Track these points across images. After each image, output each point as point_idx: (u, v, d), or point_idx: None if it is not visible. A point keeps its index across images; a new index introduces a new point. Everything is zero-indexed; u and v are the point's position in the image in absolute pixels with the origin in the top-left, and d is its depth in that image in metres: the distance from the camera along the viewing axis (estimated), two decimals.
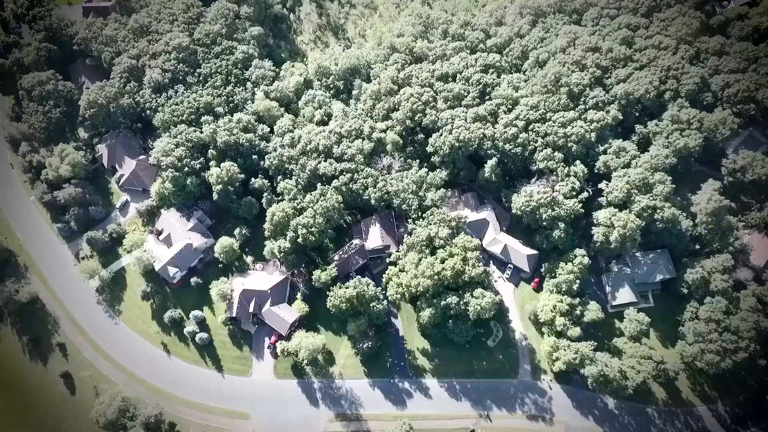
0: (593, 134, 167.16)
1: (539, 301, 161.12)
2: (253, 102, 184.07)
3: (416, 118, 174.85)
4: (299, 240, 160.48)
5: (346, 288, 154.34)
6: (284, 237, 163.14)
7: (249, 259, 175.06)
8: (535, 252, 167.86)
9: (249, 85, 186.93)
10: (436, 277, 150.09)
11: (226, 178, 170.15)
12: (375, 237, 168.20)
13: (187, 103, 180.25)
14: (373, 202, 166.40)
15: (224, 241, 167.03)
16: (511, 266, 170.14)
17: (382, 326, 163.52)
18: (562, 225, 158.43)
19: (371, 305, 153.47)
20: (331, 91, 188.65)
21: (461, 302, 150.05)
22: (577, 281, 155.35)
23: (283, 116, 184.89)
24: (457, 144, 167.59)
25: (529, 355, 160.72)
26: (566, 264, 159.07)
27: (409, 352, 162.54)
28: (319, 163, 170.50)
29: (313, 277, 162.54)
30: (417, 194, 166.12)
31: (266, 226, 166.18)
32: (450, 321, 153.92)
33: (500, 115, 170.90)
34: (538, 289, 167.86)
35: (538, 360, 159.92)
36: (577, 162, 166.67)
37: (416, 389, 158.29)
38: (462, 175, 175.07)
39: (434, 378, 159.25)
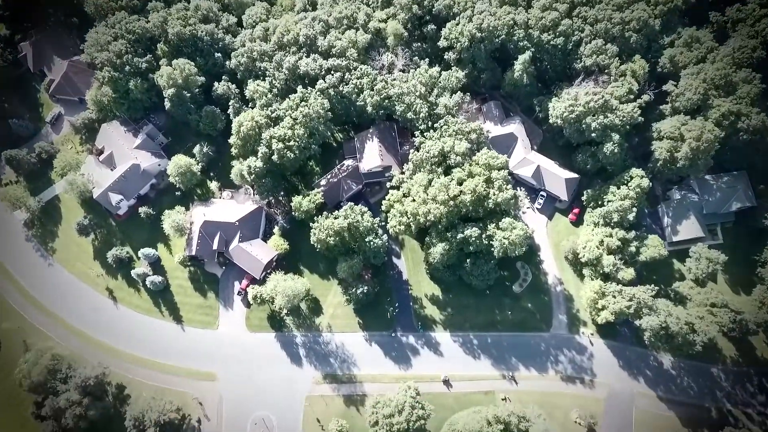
0: (658, 21, 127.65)
1: (580, 236, 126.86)
2: None
3: (426, 2, 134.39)
4: (274, 158, 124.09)
5: (335, 218, 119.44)
6: (255, 155, 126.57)
7: (214, 185, 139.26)
8: (575, 176, 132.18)
9: None
10: (451, 203, 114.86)
11: (180, 80, 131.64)
12: (372, 155, 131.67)
13: None
14: (369, 109, 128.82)
15: (179, 160, 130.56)
16: (544, 194, 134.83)
17: (380, 267, 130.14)
18: (616, 137, 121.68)
19: (367, 240, 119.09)
20: None
21: (483, 235, 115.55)
22: (633, 210, 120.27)
23: (254, 3, 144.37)
24: (478, 35, 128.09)
25: (566, 304, 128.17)
26: (618, 188, 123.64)
27: (415, 300, 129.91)
28: (300, 59, 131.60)
29: (292, 205, 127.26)
30: (426, 99, 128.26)
31: (232, 140, 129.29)
32: (468, 260, 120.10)
33: None
34: (578, 222, 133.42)
35: (576, 309, 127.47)
36: (636, 57, 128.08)
37: (423, 345, 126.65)
38: (483, 79, 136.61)
39: (446, 331, 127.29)
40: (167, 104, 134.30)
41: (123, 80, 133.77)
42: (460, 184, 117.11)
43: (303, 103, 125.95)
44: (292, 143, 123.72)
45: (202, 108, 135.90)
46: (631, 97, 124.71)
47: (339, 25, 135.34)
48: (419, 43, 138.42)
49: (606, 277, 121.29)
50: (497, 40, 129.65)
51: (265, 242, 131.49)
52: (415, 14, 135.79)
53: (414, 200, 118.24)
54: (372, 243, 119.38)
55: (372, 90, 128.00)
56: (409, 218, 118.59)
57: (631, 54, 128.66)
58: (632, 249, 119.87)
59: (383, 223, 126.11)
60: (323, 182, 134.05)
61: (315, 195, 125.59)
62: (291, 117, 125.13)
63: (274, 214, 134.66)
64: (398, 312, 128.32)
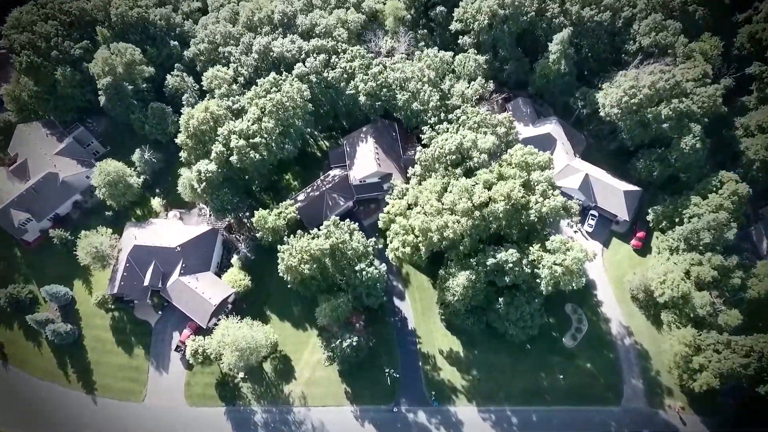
0: None
1: (651, 268, 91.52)
2: None
3: None
4: (233, 160, 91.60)
5: (313, 238, 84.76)
6: (209, 157, 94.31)
7: (157, 202, 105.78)
8: (636, 188, 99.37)
9: None
10: (476, 213, 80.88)
11: (120, 68, 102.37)
12: (366, 160, 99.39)
13: None
14: (362, 99, 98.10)
15: (108, 165, 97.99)
16: (596, 213, 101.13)
17: (377, 312, 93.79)
18: (696, 127, 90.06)
19: (358, 270, 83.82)
20: None
21: (524, 261, 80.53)
22: (732, 226, 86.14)
23: None
24: (501, 12, 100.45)
25: (640, 363, 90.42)
26: (704, 198, 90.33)
27: (426, 358, 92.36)
28: (275, 39, 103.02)
29: (254, 221, 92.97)
30: (437, 86, 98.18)
31: (180, 139, 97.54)
32: (500, 299, 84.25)
33: None
34: (644, 250, 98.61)
35: (656, 371, 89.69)
36: (705, 35, 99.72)
37: (439, 425, 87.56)
38: (507, 71, 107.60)
39: (471, 404, 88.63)
40: (102, 99, 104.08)
41: (48, 69, 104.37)
42: (488, 188, 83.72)
43: (274, 88, 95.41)
44: (258, 140, 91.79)
45: (149, 106, 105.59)
46: (708, 81, 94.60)
47: (325, 4, 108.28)
48: (425, 31, 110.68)
49: (699, 323, 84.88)
50: (525, 17, 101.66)
51: (219, 277, 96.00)
52: None
53: (424, 212, 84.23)
54: (365, 274, 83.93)
55: (366, 74, 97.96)
56: (416, 237, 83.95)
57: (698, 32, 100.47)
58: (735, 281, 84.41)
59: (380, 247, 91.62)
60: (301, 197, 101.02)
61: (286, 208, 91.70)
62: (257, 106, 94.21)
63: (235, 240, 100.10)
64: (402, 376, 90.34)
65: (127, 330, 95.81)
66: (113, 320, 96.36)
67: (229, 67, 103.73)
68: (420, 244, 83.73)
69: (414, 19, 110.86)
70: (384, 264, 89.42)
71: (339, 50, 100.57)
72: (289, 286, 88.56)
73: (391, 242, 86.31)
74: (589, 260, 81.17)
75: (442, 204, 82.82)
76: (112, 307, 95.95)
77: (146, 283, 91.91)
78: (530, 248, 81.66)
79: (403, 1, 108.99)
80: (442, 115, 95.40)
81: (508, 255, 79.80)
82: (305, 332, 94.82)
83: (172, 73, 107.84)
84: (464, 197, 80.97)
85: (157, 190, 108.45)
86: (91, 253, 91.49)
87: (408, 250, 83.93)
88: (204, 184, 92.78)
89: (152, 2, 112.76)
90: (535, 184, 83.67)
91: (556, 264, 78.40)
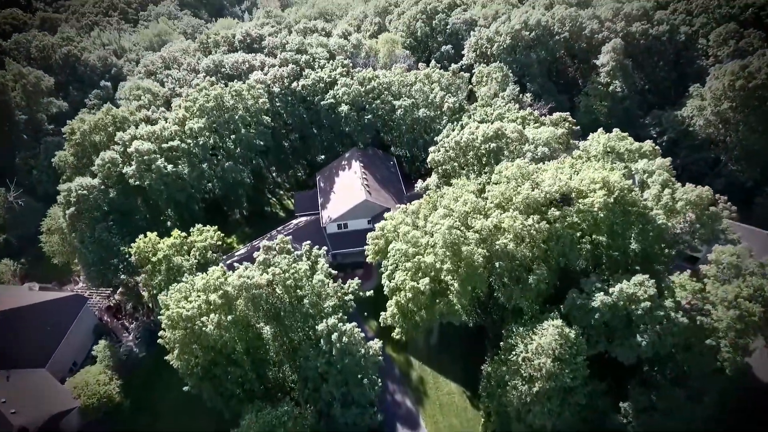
0: None
1: None
2: None
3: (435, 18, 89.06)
4: (129, 173, 55.65)
5: (222, 276, 43.36)
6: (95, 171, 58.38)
7: (6, 264, 65.51)
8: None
9: None
10: (552, 228, 41.86)
11: (18, 95, 73.80)
12: (350, 191, 63.14)
13: None
14: (344, 109, 66.50)
15: None
16: None
17: None
18: None
19: (321, 335, 40.92)
20: None
21: (667, 303, 38.69)
22: None
23: None
24: (526, 34, 77.91)
25: None
26: None
27: None
28: (229, 53, 76.98)
29: (131, 251, 50.92)
30: (451, 92, 68.51)
31: (57, 157, 62.82)
32: (626, 406, 39.63)
33: None
34: None
35: None
36: None
37: None
38: (538, 111, 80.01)
39: None
40: None
41: None
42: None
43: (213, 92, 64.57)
44: (175, 143, 57.59)
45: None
46: None
47: (306, 32, 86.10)
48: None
49: None
50: (558, 38, 78.52)
51: (60, 381, 50.56)
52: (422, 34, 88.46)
53: (450, 228, 44.79)
54: (335, 343, 40.63)
55: (350, 78, 68.90)
56: (437, 276, 42.86)
57: None
58: None
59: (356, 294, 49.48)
60: (243, 249, 62.07)
61: (201, 233, 51.07)
62: (181, 105, 62.49)
63: (118, 328, 57.33)
64: None
65: None
66: None
67: (164, 86, 75.32)
68: (451, 290, 42.26)
69: (415, 49, 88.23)
70: (378, 343, 46.01)
71: (315, 60, 73.64)
72: (188, 387, 43.80)
73: (388, 294, 44.84)
74: None
75: (486, 203, 44.45)
76: None
77: None
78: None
79: (401, 34, 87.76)
80: (465, 119, 63.21)
81: (633, 286, 38.57)
82: None
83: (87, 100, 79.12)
84: (531, 198, 43.14)
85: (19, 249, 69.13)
86: None
87: (421, 310, 42.02)
88: (73, 211, 54.73)
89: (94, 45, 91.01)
90: (650, 179, 47.11)
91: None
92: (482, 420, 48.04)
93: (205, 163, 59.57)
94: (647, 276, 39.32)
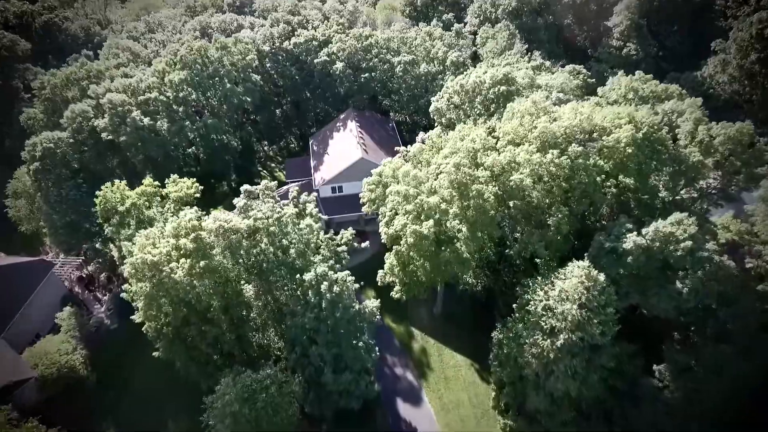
0: None
1: None
2: None
3: None
4: (101, 125, 50.51)
5: (197, 219, 37.72)
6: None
7: None
8: None
9: None
10: (573, 149, 36.68)
11: None
12: (345, 150, 57.91)
13: None
14: (338, 67, 61.16)
15: None
16: None
17: (360, 417, 40.58)
18: None
19: (308, 284, 35.53)
20: None
21: (708, 246, 33.33)
22: None
23: None
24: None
25: None
26: None
27: None
28: (215, 16, 72.09)
29: (97, 207, 44.46)
30: (459, 51, 63.56)
31: (25, 115, 57.55)
32: (661, 368, 34.32)
33: None
34: None
35: None
36: None
37: None
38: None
39: None
40: None
41: None
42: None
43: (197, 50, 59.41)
44: (153, 95, 52.56)
45: None
46: None
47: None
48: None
49: None
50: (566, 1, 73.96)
51: (19, 350, 44.91)
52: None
53: (456, 166, 39.17)
54: (327, 296, 35.17)
55: (345, 35, 64.01)
56: (438, 223, 37.46)
57: None
58: None
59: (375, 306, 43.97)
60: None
61: (176, 184, 45.42)
62: (163, 60, 57.53)
63: (90, 300, 51.92)
64: None
65: None
66: None
67: (147, 48, 70.28)
68: (459, 238, 36.90)
69: (415, 20, 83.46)
70: (376, 302, 40.47)
71: (308, 26, 68.82)
72: (158, 354, 38.26)
73: (387, 243, 39.45)
74: None
75: (496, 142, 39.22)
76: None
77: None
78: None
79: (400, 2, 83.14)
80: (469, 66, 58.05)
81: (671, 225, 33.20)
82: None
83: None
84: (543, 122, 38.05)
85: None
86: None
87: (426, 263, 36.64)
88: (38, 166, 49.46)
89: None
90: (670, 120, 42.02)
91: None
92: (493, 393, 42.50)
93: (187, 121, 54.36)
94: (686, 214, 34.06)
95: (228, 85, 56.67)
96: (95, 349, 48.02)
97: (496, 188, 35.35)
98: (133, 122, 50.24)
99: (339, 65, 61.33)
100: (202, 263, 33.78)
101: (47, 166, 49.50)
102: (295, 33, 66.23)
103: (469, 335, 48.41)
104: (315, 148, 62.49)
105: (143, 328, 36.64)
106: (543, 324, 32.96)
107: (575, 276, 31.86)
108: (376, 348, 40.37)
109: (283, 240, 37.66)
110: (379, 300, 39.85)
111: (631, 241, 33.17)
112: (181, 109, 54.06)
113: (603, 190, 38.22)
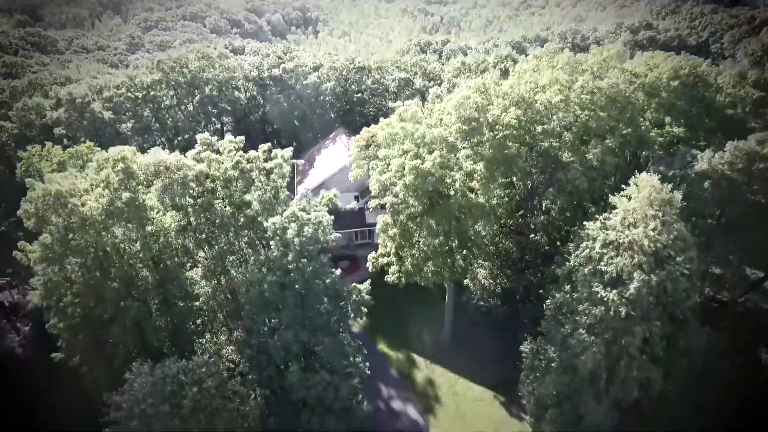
0: None
1: None
2: None
3: None
4: None
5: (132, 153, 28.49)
6: None
7: None
8: None
9: None
10: (592, 97, 29.56)
11: None
12: (331, 160, 50.89)
13: None
14: (328, 87, 56.85)
15: None
16: None
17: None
18: None
19: (279, 244, 25.97)
20: None
21: None
22: None
23: None
24: None
25: None
26: None
27: None
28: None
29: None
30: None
31: None
32: None
33: None
34: None
35: None
36: None
37: None
38: None
39: None
40: None
41: None
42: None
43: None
44: (123, 95, 46.95)
45: None
46: None
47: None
48: None
49: None
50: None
51: None
52: None
53: (463, 106, 31.27)
54: (299, 248, 25.43)
55: (336, 56, 60.72)
56: (443, 166, 28.97)
57: None
58: None
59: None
60: None
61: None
62: (149, 67, 53.14)
63: (12, 321, 40.82)
64: None
65: None
66: None
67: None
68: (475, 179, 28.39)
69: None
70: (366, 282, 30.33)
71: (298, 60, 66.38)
72: (57, 355, 27.27)
73: (378, 192, 30.59)
74: None
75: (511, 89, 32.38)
76: None
77: None
78: None
79: None
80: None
81: (752, 144, 25.14)
82: None
83: None
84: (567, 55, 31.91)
85: None
86: None
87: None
88: None
89: None
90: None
91: None
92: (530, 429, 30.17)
93: (156, 123, 48.31)
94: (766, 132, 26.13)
95: (207, 90, 51.63)
96: None
97: (521, 112, 27.65)
98: (92, 114, 43.96)
99: (329, 84, 57.21)
100: (125, 196, 24.73)
101: None
102: (285, 57, 63.58)
103: (488, 363, 36.83)
104: (300, 167, 55.62)
105: (37, 300, 26.13)
106: (604, 269, 22.87)
107: (644, 194, 22.74)
108: (364, 350, 29.28)
109: (245, 196, 28.96)
110: (369, 280, 29.79)
111: (705, 159, 24.69)
112: (148, 108, 48.15)
113: (650, 137, 30.63)
